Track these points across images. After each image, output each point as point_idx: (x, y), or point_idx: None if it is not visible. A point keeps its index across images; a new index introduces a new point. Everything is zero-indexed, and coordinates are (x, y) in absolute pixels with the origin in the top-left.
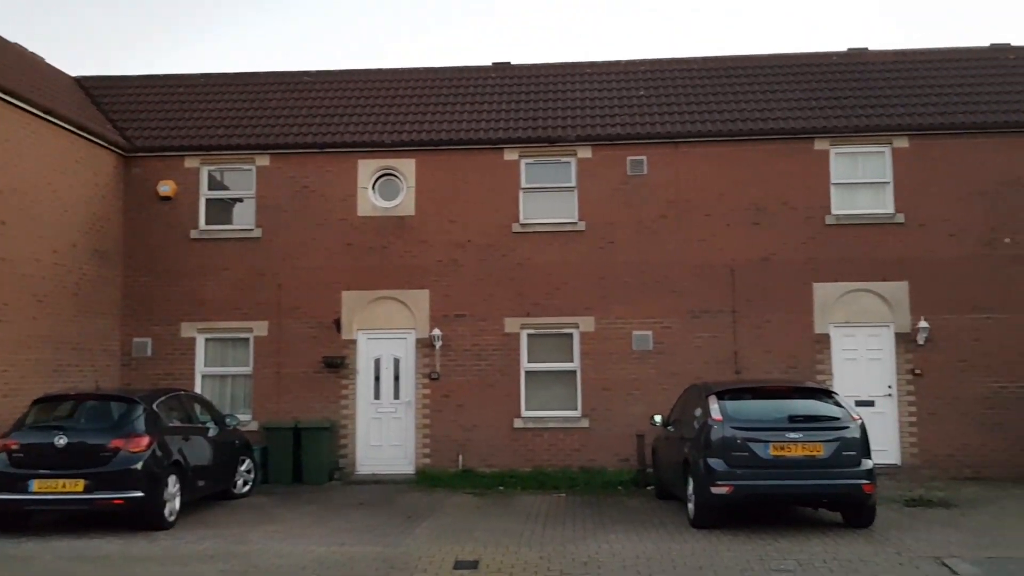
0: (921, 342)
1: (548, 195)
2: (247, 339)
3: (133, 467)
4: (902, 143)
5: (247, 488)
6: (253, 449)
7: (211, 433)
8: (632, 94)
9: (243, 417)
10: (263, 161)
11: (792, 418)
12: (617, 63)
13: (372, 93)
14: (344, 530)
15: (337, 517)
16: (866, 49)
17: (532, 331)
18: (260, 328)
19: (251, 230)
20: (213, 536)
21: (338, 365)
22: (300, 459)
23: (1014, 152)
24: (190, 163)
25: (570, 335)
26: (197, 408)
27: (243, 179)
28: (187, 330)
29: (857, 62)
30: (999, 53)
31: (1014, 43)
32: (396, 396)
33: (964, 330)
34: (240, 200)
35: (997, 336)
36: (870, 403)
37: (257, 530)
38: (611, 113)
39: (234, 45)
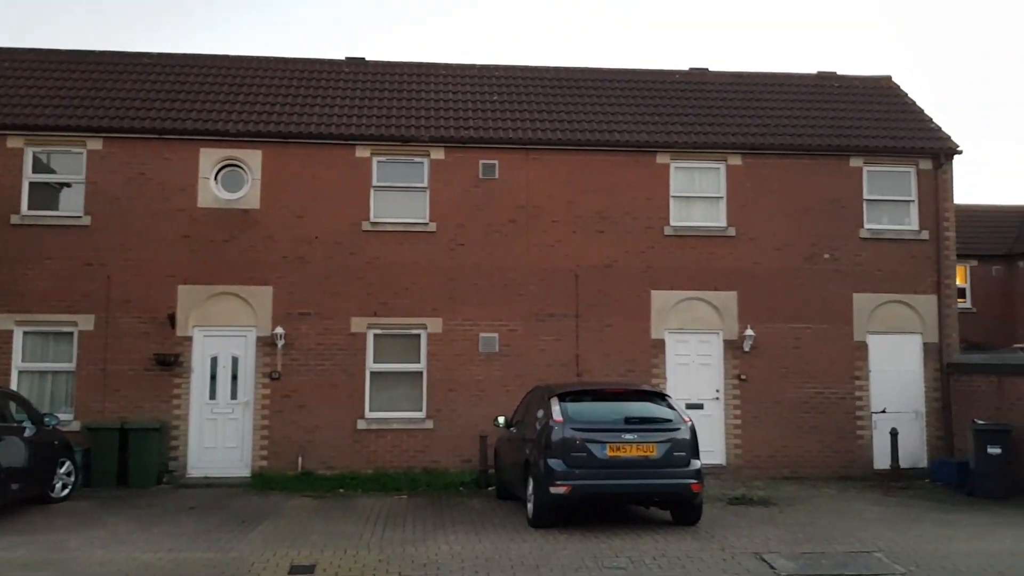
0: (747, 349)
1: (399, 194)
2: (71, 333)
3: None
4: (735, 161)
5: (67, 492)
6: (75, 450)
7: (27, 433)
8: (486, 98)
9: (64, 416)
10: (95, 145)
11: (628, 420)
12: (472, 67)
13: (217, 80)
14: (173, 535)
15: (165, 522)
16: (707, 70)
17: (379, 331)
18: (86, 322)
19: (79, 217)
20: (27, 543)
21: (171, 363)
22: (126, 461)
23: (835, 174)
24: (13, 143)
25: (418, 336)
26: (12, 406)
27: (72, 163)
28: (3, 322)
29: (698, 81)
30: (825, 81)
31: (839, 72)
32: (233, 396)
33: (785, 338)
34: (68, 185)
35: (814, 344)
36: (700, 406)
37: (76, 536)
38: (465, 116)
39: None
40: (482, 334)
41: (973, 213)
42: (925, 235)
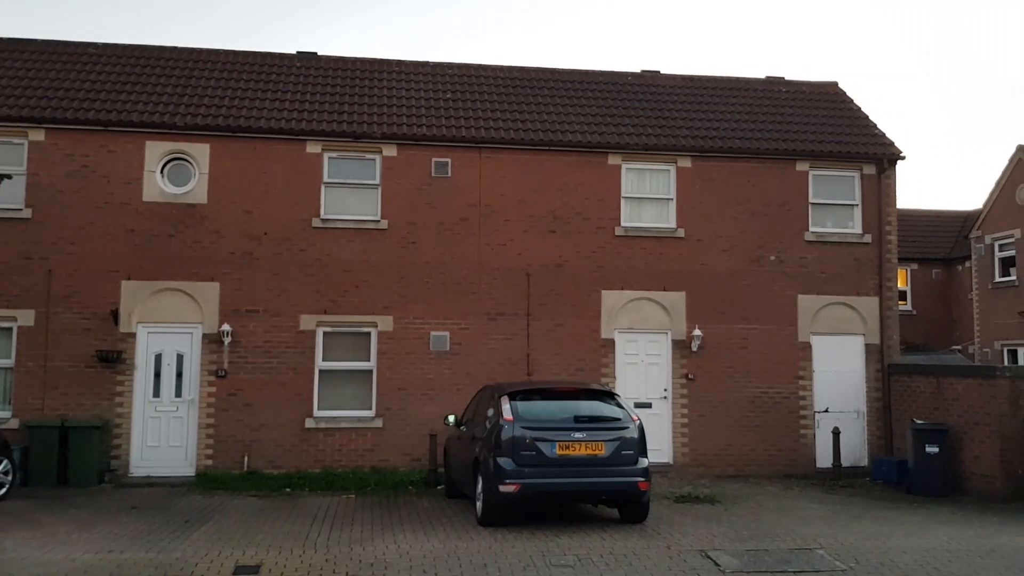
0: (695, 349)
1: (351, 191)
2: (10, 329)
3: None
4: (685, 163)
5: (4, 491)
6: (12, 449)
7: None
8: (439, 96)
9: (2, 414)
10: (37, 136)
11: (578, 419)
12: (425, 64)
13: (165, 72)
14: (114, 535)
15: (106, 522)
16: (658, 72)
17: (329, 329)
18: (25, 317)
19: (20, 210)
20: None
21: (114, 360)
22: (67, 460)
23: (782, 177)
24: None
25: (368, 334)
26: None
27: (13, 154)
28: None
29: (650, 84)
30: (774, 85)
31: (787, 77)
32: (178, 394)
33: (732, 339)
34: (8, 176)
35: (760, 345)
36: (648, 405)
37: (13, 537)
38: (417, 113)
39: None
40: (433, 333)
41: (915, 217)
42: (868, 239)
